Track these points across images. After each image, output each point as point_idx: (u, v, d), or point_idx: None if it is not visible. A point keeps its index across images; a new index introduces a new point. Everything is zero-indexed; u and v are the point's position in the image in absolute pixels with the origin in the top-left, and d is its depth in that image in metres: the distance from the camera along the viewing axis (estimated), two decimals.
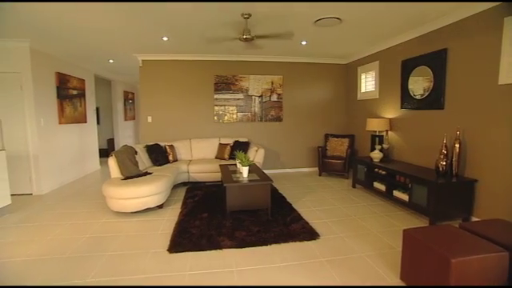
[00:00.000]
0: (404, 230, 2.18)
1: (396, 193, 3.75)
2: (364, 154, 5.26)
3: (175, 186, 4.67)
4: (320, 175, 5.74)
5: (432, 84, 3.73)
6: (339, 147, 5.69)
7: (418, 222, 3.33)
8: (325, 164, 5.56)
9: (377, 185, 4.18)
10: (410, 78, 4.13)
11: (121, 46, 4.80)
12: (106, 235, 3.02)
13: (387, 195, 3.92)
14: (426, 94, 3.84)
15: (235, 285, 2.16)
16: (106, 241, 2.89)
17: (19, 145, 4.55)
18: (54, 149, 5.07)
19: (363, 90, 5.59)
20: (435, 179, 3.17)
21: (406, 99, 4.24)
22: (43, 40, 4.36)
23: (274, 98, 5.97)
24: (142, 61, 5.56)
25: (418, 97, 4.02)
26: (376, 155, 4.37)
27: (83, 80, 6.12)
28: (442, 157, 3.32)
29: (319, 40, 4.59)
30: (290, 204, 3.89)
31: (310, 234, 2.96)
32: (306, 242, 2.80)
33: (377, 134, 4.63)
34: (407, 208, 3.62)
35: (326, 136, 6.01)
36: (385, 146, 4.54)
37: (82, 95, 6.05)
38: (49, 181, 4.87)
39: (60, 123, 5.24)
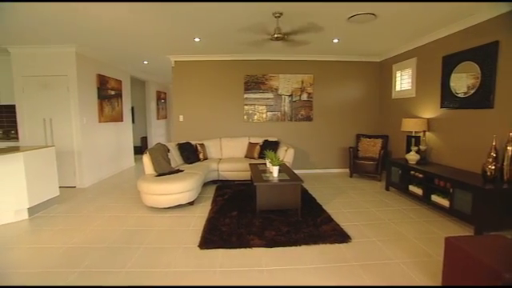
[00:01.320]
0: (446, 238, 2.04)
1: (434, 197, 3.51)
2: (398, 156, 5.01)
3: (205, 184, 4.77)
4: (351, 176, 5.56)
5: (479, 81, 3.44)
6: (371, 148, 5.47)
7: (460, 229, 3.09)
8: (356, 165, 5.38)
9: (412, 188, 3.96)
10: (453, 74, 3.85)
11: (155, 47, 5.01)
12: (141, 228, 3.17)
13: (424, 200, 3.70)
14: (471, 91, 3.55)
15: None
16: (141, 234, 3.02)
17: (65, 141, 4.92)
18: (94, 146, 5.42)
19: (398, 88, 5.32)
20: (482, 184, 2.92)
21: (447, 98, 3.96)
22: (87, 45, 4.68)
23: (304, 97, 5.88)
24: (175, 61, 5.75)
25: (460, 95, 3.73)
26: (412, 157, 4.14)
27: (120, 81, 6.47)
28: (490, 160, 3.04)
29: (352, 37, 4.44)
30: (320, 205, 3.81)
31: (341, 236, 2.87)
32: (336, 245, 2.73)
33: (413, 134, 4.38)
34: (447, 214, 3.39)
35: (358, 136, 5.81)
36: (422, 147, 4.28)
37: (119, 95, 6.39)
38: (90, 175, 5.22)
39: (100, 122, 5.58)
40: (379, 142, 5.43)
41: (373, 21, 3.61)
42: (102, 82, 5.65)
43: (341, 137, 6.05)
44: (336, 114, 6.01)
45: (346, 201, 4.09)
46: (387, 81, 5.66)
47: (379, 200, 4.12)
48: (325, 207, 3.75)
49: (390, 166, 4.48)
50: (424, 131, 4.34)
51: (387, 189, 4.60)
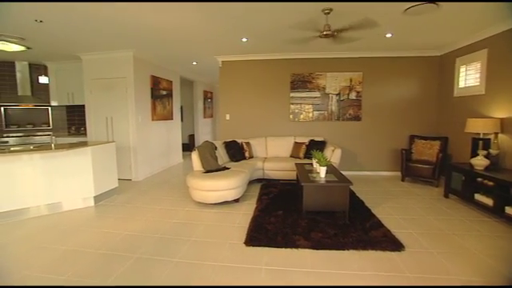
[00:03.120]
0: None
1: (510, 210, 3.08)
2: (461, 160, 4.50)
3: (250, 182, 4.81)
4: (403, 180, 5.17)
5: None
6: (427, 151, 5.02)
7: None
8: (409, 168, 4.98)
9: (480, 197, 3.52)
10: None
11: (204, 49, 5.21)
12: (190, 222, 3.32)
13: (495, 211, 3.26)
14: None
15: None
16: (190, 227, 3.17)
17: (123, 138, 5.39)
18: (148, 142, 5.83)
19: (462, 84, 4.78)
20: None
21: None
22: (142, 49, 5.05)
23: (353, 96, 5.62)
24: (222, 62, 5.92)
25: None
26: (479, 162, 3.68)
27: (171, 81, 6.87)
28: None
29: (408, 31, 4.11)
30: (369, 209, 3.60)
31: (392, 243, 2.68)
32: (388, 253, 2.55)
33: (481, 136, 3.90)
34: None
35: (412, 138, 5.37)
36: (493, 151, 3.77)
37: (169, 95, 6.79)
38: (143, 169, 5.64)
39: (152, 120, 5.99)
40: (437, 144, 4.95)
41: (434, 11, 3.29)
42: (155, 83, 6.06)
43: (392, 138, 5.66)
44: (387, 114, 5.63)
45: (398, 206, 3.81)
46: (448, 77, 5.12)
47: (437, 208, 3.75)
48: (374, 211, 3.53)
49: (451, 171, 4.05)
50: (496, 133, 3.83)
51: (446, 196, 4.17)
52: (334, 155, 4.84)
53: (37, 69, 6.11)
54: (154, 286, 2.09)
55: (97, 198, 3.99)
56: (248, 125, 5.97)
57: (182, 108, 7.99)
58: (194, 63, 6.55)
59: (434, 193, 4.43)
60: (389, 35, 4.34)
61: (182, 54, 5.53)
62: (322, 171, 3.41)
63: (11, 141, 5.67)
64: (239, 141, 5.38)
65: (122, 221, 3.37)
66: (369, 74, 5.57)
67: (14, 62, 5.86)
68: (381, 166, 5.74)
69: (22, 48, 4.62)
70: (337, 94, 5.65)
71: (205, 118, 9.85)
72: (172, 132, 7.05)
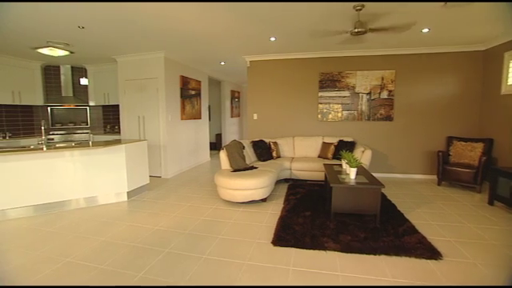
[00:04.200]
0: None
1: None
2: (508, 164, 4.15)
3: (277, 182, 4.79)
4: (439, 185, 4.86)
5: None
6: (468, 153, 4.68)
7: None
8: (447, 172, 4.67)
9: None
10: None
11: (232, 49, 5.26)
12: (218, 220, 3.37)
13: None
14: None
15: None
16: (218, 225, 3.21)
17: (154, 136, 5.61)
18: (177, 140, 6.02)
19: (511, 81, 4.39)
20: None
21: None
22: (173, 50, 5.21)
23: (384, 95, 5.39)
24: (250, 61, 5.95)
25: None
26: None
27: (199, 81, 7.03)
28: None
29: (447, 24, 3.85)
30: (402, 213, 3.43)
31: (429, 251, 2.53)
32: (424, 260, 2.41)
33: None
34: None
35: (450, 139, 5.04)
36: None
37: (198, 95, 6.96)
38: (172, 167, 5.83)
39: (181, 119, 6.17)
40: (479, 146, 4.59)
41: (478, 2, 3.05)
42: (184, 83, 6.23)
43: (427, 139, 5.34)
44: (422, 114, 5.33)
45: (434, 212, 3.59)
46: (494, 73, 4.73)
47: (480, 215, 3.48)
48: (407, 216, 3.36)
49: (497, 176, 3.74)
50: None
51: (491, 203, 3.85)
52: (363, 156, 4.67)
53: (78, 71, 6.55)
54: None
55: (130, 194, 4.19)
56: (275, 124, 5.95)
57: (209, 107, 8.16)
58: (222, 63, 6.65)
59: (475, 199, 4.11)
60: (425, 30, 4.10)
61: (211, 54, 5.63)
62: (352, 172, 3.31)
63: (56, 138, 6.14)
64: (267, 140, 5.37)
65: (153, 216, 3.51)
66: (402, 72, 5.31)
67: (59, 66, 6.34)
68: (414, 169, 5.44)
69: (66, 53, 4.97)
70: (367, 93, 5.45)
71: (232, 117, 9.98)
72: (200, 131, 7.22)
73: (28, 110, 6.13)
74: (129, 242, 2.79)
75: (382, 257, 2.47)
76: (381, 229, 2.98)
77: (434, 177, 5.12)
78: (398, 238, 2.78)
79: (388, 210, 3.54)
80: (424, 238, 2.78)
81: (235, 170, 4.10)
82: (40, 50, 4.76)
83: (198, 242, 2.80)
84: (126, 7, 3.17)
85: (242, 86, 10.83)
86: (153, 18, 3.53)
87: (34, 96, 6.00)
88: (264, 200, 3.96)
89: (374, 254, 2.50)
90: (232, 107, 9.93)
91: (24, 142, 5.57)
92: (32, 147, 3.88)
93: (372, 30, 3.57)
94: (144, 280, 2.17)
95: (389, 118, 5.42)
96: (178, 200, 4.15)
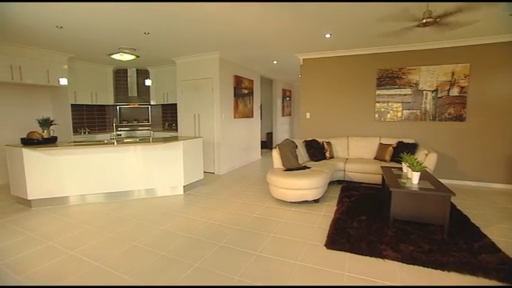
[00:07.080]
0: None
1: None
2: None
3: (330, 183, 4.63)
4: None
5: None
6: None
7: None
8: None
9: None
10: None
11: (285, 48, 5.23)
12: (269, 218, 3.39)
13: None
14: None
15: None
16: (270, 223, 3.23)
17: (208, 134, 5.87)
18: (230, 138, 6.21)
19: None
20: None
21: None
22: (228, 50, 5.38)
23: (455, 92, 4.80)
24: (303, 59, 5.84)
25: None
26: None
27: (252, 80, 7.15)
28: None
29: None
30: (477, 227, 3.01)
31: None
32: (508, 285, 2.07)
33: None
34: None
35: None
36: None
37: (250, 94, 7.09)
38: (225, 164, 6.04)
39: (234, 118, 6.35)
40: None
41: None
42: (238, 82, 6.40)
43: (507, 142, 4.62)
44: (501, 113, 4.60)
45: None
46: None
47: None
48: (484, 231, 2.94)
49: None
50: None
51: None
52: (427, 160, 4.24)
53: (142, 73, 7.22)
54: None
55: (185, 188, 4.45)
56: (329, 124, 5.75)
57: (261, 106, 8.25)
58: (275, 62, 6.65)
59: None
60: None
61: (264, 53, 5.67)
62: (415, 177, 3.01)
63: (122, 134, 6.86)
64: (320, 140, 5.22)
65: (207, 210, 3.67)
66: (478, 66, 4.66)
67: (126, 69, 7.06)
68: (491, 177, 4.75)
69: (133, 57, 5.50)
70: (433, 91, 4.92)
71: (283, 116, 9.95)
72: (252, 129, 7.35)
73: (102, 109, 6.99)
74: (185, 233, 2.96)
75: (453, 274, 2.20)
76: (450, 242, 2.67)
77: None
78: (472, 254, 2.45)
79: (459, 221, 3.16)
80: (509, 258, 2.40)
81: (287, 169, 4.07)
82: (113, 56, 5.36)
83: (251, 238, 2.85)
84: (189, 9, 3.30)
85: (293, 85, 10.73)
86: (211, 21, 3.68)
87: (107, 96, 6.81)
88: (316, 201, 3.86)
89: (442, 270, 2.24)
90: (283, 106, 9.90)
91: (99, 137, 6.34)
92: (105, 142, 4.37)
93: (442, 18, 3.21)
94: (199, 270, 2.28)
95: (459, 118, 4.82)
96: (231, 196, 4.28)
